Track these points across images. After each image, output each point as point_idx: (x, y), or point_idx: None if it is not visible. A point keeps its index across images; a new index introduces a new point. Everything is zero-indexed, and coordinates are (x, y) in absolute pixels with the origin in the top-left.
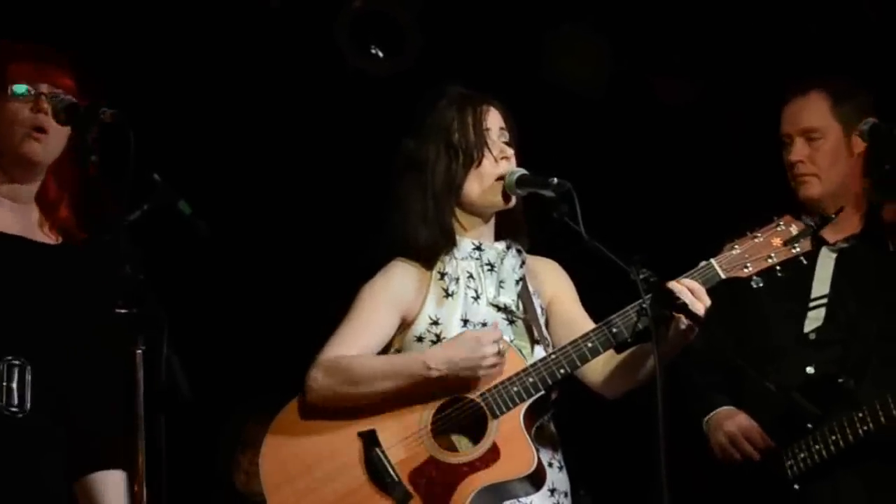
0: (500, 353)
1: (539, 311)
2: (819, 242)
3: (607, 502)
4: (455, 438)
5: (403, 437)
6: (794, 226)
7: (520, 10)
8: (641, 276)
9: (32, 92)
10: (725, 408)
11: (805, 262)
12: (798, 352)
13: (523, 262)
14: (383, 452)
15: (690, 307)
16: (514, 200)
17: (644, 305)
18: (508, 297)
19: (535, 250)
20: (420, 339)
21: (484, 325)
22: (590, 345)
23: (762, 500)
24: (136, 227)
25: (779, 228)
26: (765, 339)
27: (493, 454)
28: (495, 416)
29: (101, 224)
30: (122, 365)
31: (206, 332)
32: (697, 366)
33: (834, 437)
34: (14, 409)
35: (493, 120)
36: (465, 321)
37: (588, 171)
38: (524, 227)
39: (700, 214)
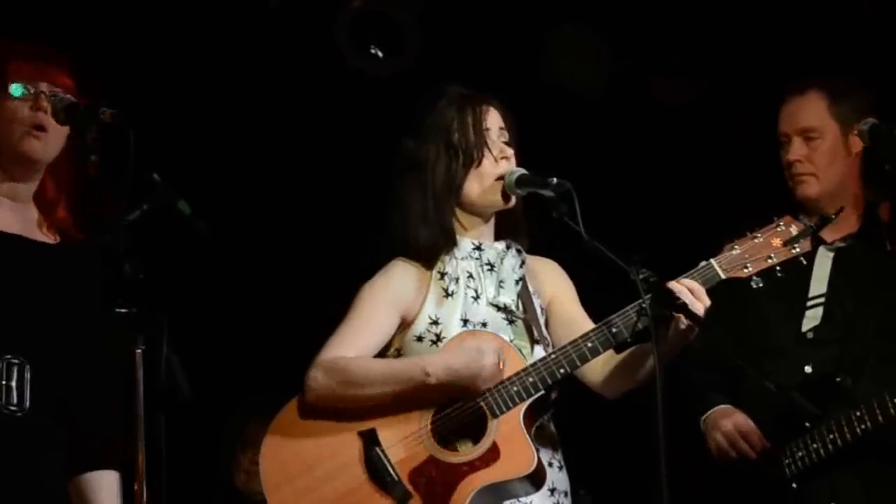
0: (500, 364)
1: (539, 310)
2: (816, 242)
3: (607, 502)
4: (455, 438)
5: (403, 437)
6: (793, 226)
7: (520, 10)
8: (641, 276)
9: (32, 91)
10: (722, 406)
11: (805, 262)
12: (796, 351)
13: (523, 262)
14: (383, 452)
15: (690, 307)
16: (513, 200)
17: (644, 305)
18: (508, 297)
19: (534, 250)
20: (420, 338)
21: (484, 325)
22: (589, 345)
23: (761, 500)
24: (135, 226)
25: (779, 229)
26: (763, 339)
27: (492, 454)
28: (495, 416)
29: (100, 224)
30: (121, 364)
31: (206, 332)
32: (696, 365)
33: (832, 436)
34: (13, 408)
35: (493, 120)
36: (465, 321)
37: (588, 171)
38: (524, 226)
39: (700, 214)
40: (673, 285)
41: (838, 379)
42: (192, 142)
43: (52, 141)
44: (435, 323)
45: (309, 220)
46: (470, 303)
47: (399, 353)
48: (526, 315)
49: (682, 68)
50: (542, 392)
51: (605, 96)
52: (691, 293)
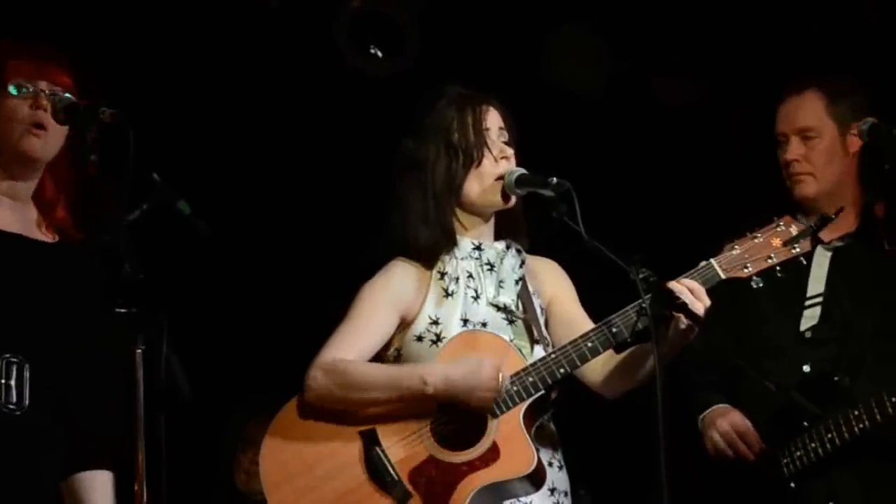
0: (497, 385)
1: (539, 310)
2: (814, 241)
3: (607, 502)
4: (455, 438)
5: (403, 436)
6: (793, 226)
7: (520, 11)
8: (641, 276)
9: (31, 89)
10: (719, 405)
11: (805, 262)
12: (794, 350)
13: (523, 262)
14: (383, 451)
15: (690, 307)
16: (513, 200)
17: (644, 305)
18: (508, 297)
19: (534, 250)
20: (420, 338)
21: (484, 324)
22: (589, 344)
23: (759, 499)
24: (135, 226)
25: (779, 229)
26: (761, 339)
27: (492, 453)
28: (495, 416)
29: (100, 224)
30: (120, 364)
31: (206, 332)
32: (696, 365)
33: (830, 435)
34: (12, 407)
35: (493, 120)
36: (465, 321)
37: (588, 171)
38: (524, 226)
39: (700, 214)
40: (673, 285)
41: (836, 378)
42: (192, 142)
43: (51, 140)
44: (435, 323)
45: (309, 220)
46: (470, 303)
47: (399, 353)
48: (526, 315)
49: (682, 68)
50: (542, 392)
51: (605, 96)
52: (691, 293)
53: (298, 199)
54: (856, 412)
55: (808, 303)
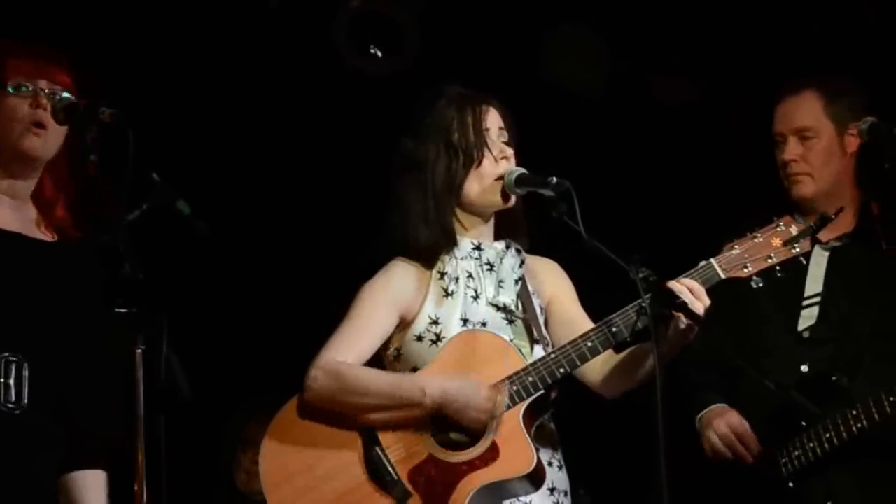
0: (492, 408)
1: (538, 310)
2: (813, 241)
3: (607, 502)
4: (455, 437)
5: (403, 436)
6: (793, 226)
7: (519, 10)
8: (641, 276)
9: (31, 88)
10: (717, 406)
11: (805, 261)
12: (792, 350)
13: (522, 262)
14: (383, 451)
15: (690, 307)
16: (513, 200)
17: (644, 305)
18: (508, 297)
19: (534, 250)
20: (420, 338)
21: (484, 324)
22: (589, 344)
23: (758, 499)
24: (135, 226)
25: (779, 229)
26: (760, 338)
27: (492, 453)
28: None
29: (100, 223)
30: (120, 364)
31: (206, 332)
32: (694, 365)
33: (828, 435)
34: (11, 406)
35: (493, 120)
36: (465, 320)
37: (587, 171)
38: (524, 226)
39: (700, 214)
40: (673, 285)
41: (834, 378)
42: (191, 142)
43: (51, 138)
44: (435, 322)
45: (309, 220)
46: (469, 302)
47: (398, 353)
48: (525, 315)
49: (682, 68)
50: (542, 392)
51: (605, 96)
52: (691, 293)
53: (298, 198)
54: (854, 412)
55: (805, 303)
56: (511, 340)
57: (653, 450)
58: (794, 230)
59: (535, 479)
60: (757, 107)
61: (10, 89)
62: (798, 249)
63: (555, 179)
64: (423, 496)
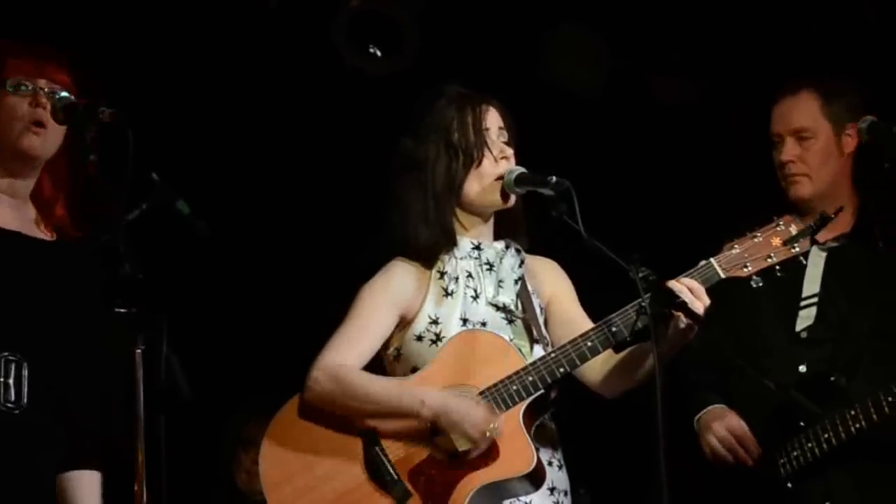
0: (485, 429)
1: (538, 310)
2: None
3: (607, 501)
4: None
5: (403, 436)
6: (793, 225)
7: (519, 10)
8: (641, 275)
9: (30, 87)
10: (715, 406)
11: (805, 261)
12: (790, 350)
13: (522, 262)
14: (383, 451)
15: (690, 306)
16: (512, 200)
17: (643, 304)
18: (507, 297)
19: (534, 249)
20: (420, 337)
21: (483, 324)
22: (589, 344)
23: (756, 499)
24: (134, 226)
25: (778, 228)
26: (758, 338)
27: (492, 453)
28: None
29: (99, 223)
30: (120, 364)
31: (206, 332)
32: (693, 364)
33: (826, 435)
34: (11, 405)
35: (493, 119)
36: (465, 320)
37: (587, 171)
38: (523, 226)
39: (700, 214)
40: (673, 284)
41: (833, 378)
42: (190, 141)
43: (51, 138)
44: (434, 322)
45: (308, 220)
46: (469, 302)
47: (398, 353)
48: (525, 314)
49: (681, 67)
50: (542, 391)
51: (604, 95)
52: (691, 292)
53: (298, 198)
54: (852, 412)
55: (803, 303)
56: (511, 340)
57: (653, 450)
58: (793, 229)
59: (535, 478)
60: (756, 107)
61: (10, 88)
62: (798, 249)
63: (554, 179)
64: (422, 496)
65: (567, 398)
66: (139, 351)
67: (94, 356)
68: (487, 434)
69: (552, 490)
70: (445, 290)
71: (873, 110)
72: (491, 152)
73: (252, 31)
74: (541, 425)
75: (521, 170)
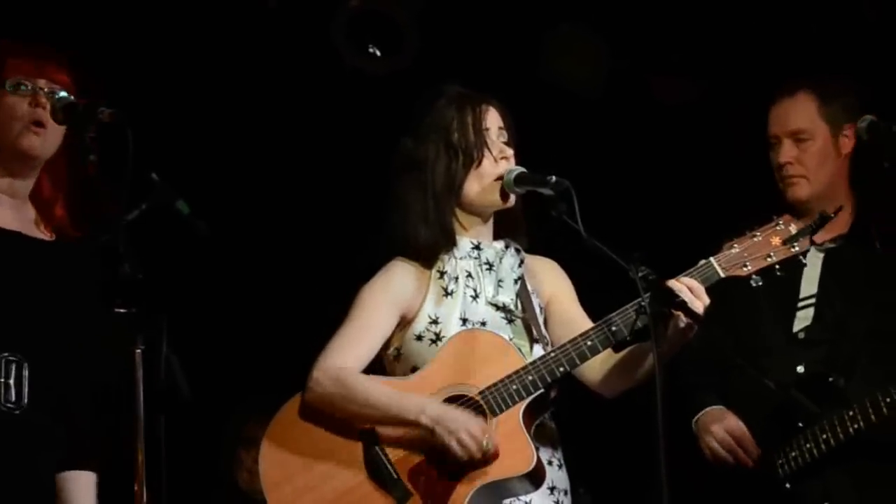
0: (477, 445)
1: (538, 310)
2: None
3: (607, 501)
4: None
5: (403, 436)
6: (793, 225)
7: (519, 10)
8: (640, 275)
9: (30, 87)
10: (713, 408)
11: (804, 261)
12: (788, 351)
13: (522, 262)
14: (383, 450)
15: (690, 305)
16: (512, 199)
17: (643, 304)
18: (507, 297)
19: (533, 249)
20: (419, 337)
21: (483, 324)
22: (589, 343)
23: (755, 500)
24: (134, 226)
25: (778, 228)
26: (757, 338)
27: (492, 452)
28: (494, 414)
29: (99, 223)
30: (119, 364)
31: (206, 332)
32: (693, 364)
33: (825, 436)
34: (11, 406)
35: (493, 120)
36: (465, 320)
37: (587, 170)
38: (523, 226)
39: (700, 213)
40: (672, 283)
41: (831, 379)
42: (190, 141)
43: (50, 137)
44: (434, 322)
45: (308, 220)
46: (469, 302)
47: (398, 352)
48: (525, 314)
49: (681, 67)
50: (542, 391)
51: (604, 95)
52: (691, 291)
53: (298, 198)
54: (850, 413)
55: (801, 304)
56: (510, 339)
57: (653, 449)
58: (793, 229)
59: (535, 478)
60: (756, 107)
61: (9, 88)
62: (797, 248)
63: (554, 178)
64: (422, 495)
65: (567, 398)
66: (139, 351)
67: (93, 356)
68: (485, 444)
69: (552, 489)
70: (445, 289)
71: (873, 110)
72: (491, 152)
73: (252, 31)
74: (541, 424)
75: (521, 170)
